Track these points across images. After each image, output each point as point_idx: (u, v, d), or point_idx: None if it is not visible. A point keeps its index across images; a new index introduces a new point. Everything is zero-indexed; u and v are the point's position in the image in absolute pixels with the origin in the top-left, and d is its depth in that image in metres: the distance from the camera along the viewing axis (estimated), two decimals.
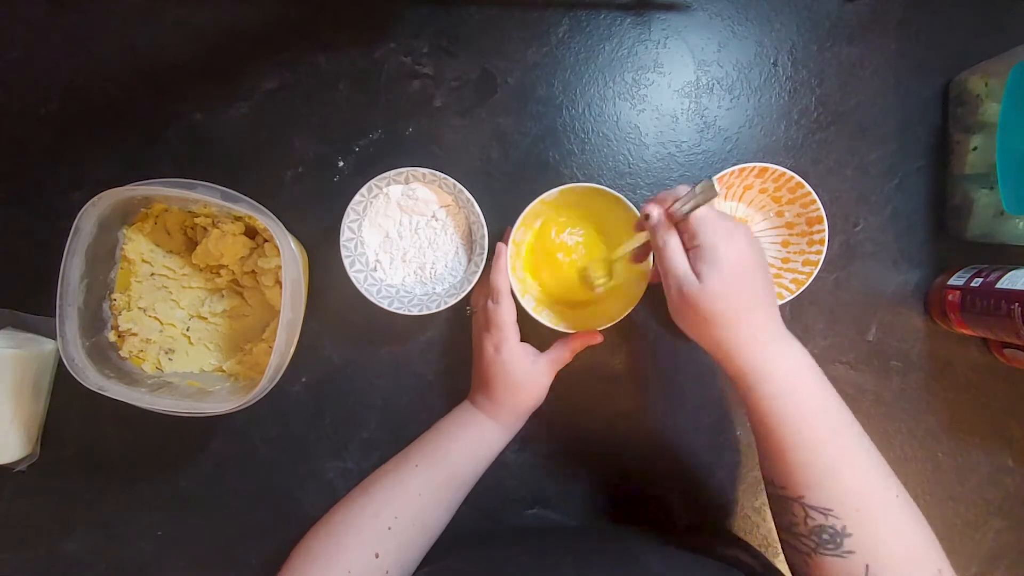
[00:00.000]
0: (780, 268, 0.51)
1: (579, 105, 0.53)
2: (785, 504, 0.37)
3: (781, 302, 0.50)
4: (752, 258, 0.37)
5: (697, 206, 0.36)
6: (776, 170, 0.48)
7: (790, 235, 0.51)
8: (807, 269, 0.49)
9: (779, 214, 0.51)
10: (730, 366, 0.38)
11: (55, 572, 0.53)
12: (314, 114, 0.52)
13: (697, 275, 0.37)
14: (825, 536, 0.35)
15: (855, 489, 0.35)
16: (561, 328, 0.48)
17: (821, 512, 0.35)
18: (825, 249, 0.48)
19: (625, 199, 0.47)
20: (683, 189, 0.38)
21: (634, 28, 0.53)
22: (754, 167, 0.48)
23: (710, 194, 0.35)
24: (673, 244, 0.38)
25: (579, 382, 0.53)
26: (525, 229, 0.50)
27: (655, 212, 0.39)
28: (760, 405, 0.37)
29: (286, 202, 0.52)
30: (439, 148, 0.53)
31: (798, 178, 0.47)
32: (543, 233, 0.51)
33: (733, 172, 0.48)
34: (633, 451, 0.54)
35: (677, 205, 0.38)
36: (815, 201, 0.48)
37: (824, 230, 0.48)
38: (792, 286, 0.50)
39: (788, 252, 0.51)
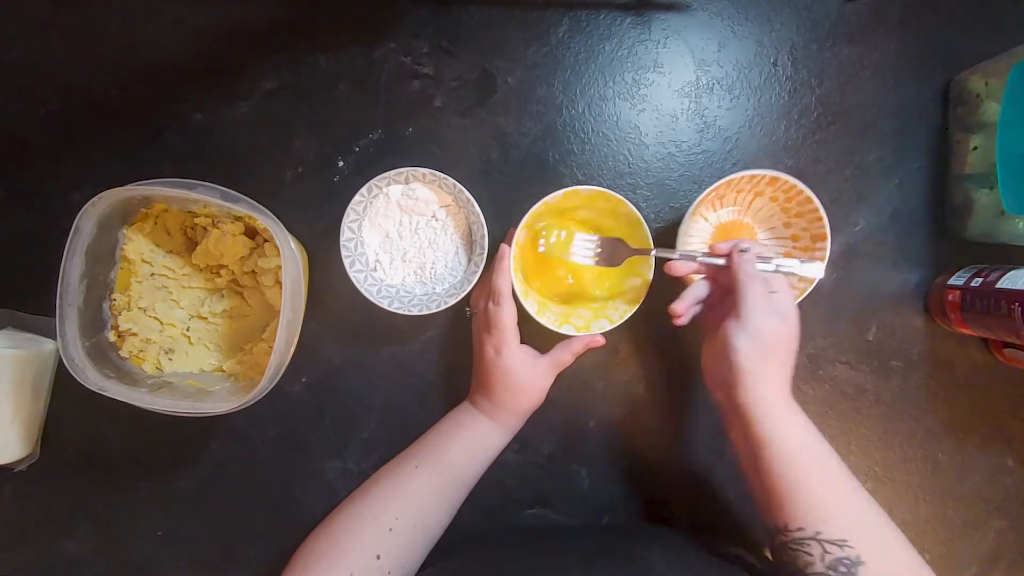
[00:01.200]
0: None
1: (579, 105, 0.53)
2: (801, 546, 0.38)
3: None
4: (798, 327, 0.43)
5: (789, 274, 0.44)
6: (787, 181, 0.47)
7: (794, 247, 0.51)
8: (801, 285, 0.49)
9: (787, 225, 0.51)
10: (747, 398, 0.41)
11: (55, 572, 0.53)
12: (314, 114, 0.52)
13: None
14: (842, 569, 0.37)
15: (862, 520, 0.39)
16: (563, 330, 0.48)
17: (837, 544, 0.37)
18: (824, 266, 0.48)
19: (628, 202, 0.47)
20: (777, 257, 0.45)
21: (634, 28, 0.53)
22: (765, 175, 0.47)
23: (814, 275, 0.45)
24: (761, 279, 0.42)
25: (579, 383, 0.53)
26: (528, 231, 0.50)
27: (753, 249, 0.44)
28: (780, 445, 0.40)
29: (286, 202, 0.52)
30: (439, 148, 0.53)
31: (808, 192, 0.47)
32: (546, 235, 0.51)
33: (744, 177, 0.47)
34: (633, 451, 0.54)
35: (764, 252, 0.45)
36: (822, 218, 0.47)
37: (826, 249, 0.48)
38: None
39: None
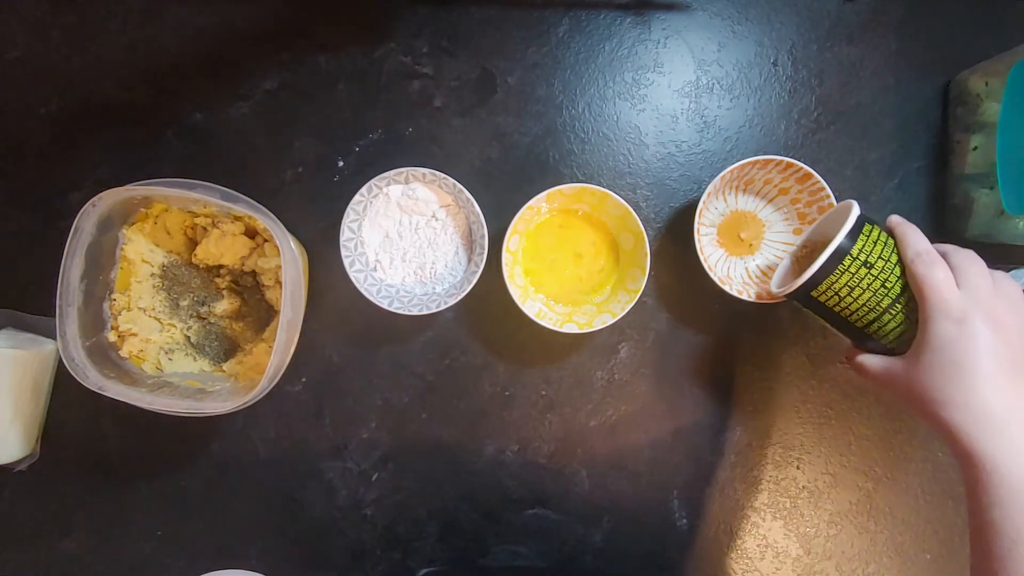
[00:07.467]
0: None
1: (579, 105, 0.53)
2: None
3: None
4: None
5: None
6: (818, 182, 0.48)
7: (802, 225, 0.52)
8: (781, 291, 0.49)
9: (797, 232, 0.52)
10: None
11: (55, 572, 0.53)
12: (314, 114, 0.52)
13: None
14: None
15: None
16: (565, 329, 0.48)
17: None
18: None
19: (615, 195, 0.47)
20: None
21: (634, 28, 0.53)
22: (801, 169, 0.48)
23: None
24: (944, 275, 0.37)
25: (579, 382, 0.53)
26: (520, 236, 0.50)
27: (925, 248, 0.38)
28: (984, 496, 0.32)
29: (286, 202, 0.52)
30: (439, 148, 0.53)
31: (834, 200, 0.48)
32: (538, 237, 0.51)
33: (782, 163, 0.48)
34: (633, 451, 0.54)
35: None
36: (824, 188, 0.48)
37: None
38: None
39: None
